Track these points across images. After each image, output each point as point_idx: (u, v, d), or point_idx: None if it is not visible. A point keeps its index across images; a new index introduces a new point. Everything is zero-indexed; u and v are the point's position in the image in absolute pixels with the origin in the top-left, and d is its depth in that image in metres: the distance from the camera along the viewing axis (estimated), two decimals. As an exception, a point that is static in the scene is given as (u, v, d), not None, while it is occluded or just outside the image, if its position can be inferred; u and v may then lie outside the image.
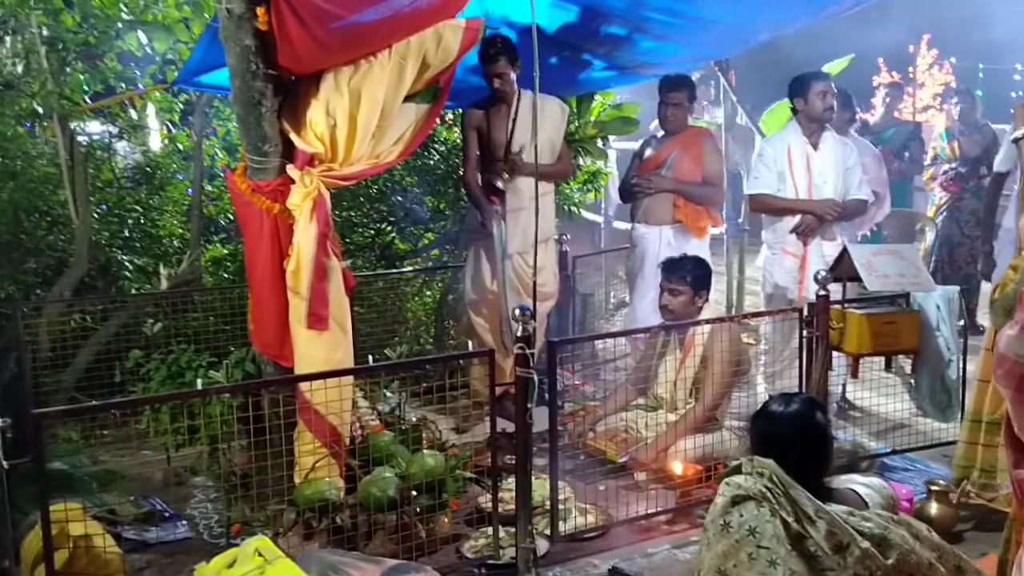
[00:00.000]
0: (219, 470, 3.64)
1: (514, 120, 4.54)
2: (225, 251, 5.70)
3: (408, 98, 3.43)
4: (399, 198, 5.99)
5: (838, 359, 4.04)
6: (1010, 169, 5.14)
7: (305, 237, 3.20)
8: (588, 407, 4.65)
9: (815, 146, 4.66)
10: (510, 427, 3.37)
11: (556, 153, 4.66)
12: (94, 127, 5.89)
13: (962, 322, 4.07)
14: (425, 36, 3.31)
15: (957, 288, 4.15)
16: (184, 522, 3.66)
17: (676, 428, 3.87)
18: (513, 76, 4.44)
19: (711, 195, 5.06)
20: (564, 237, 5.67)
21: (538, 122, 4.08)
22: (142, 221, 5.60)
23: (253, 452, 3.20)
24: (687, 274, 4.03)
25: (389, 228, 6.01)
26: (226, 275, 5.54)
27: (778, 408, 2.43)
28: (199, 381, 3.61)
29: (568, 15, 4.45)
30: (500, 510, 3.28)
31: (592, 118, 5.64)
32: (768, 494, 2.23)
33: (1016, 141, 4.31)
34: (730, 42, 5.00)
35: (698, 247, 4.86)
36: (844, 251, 3.94)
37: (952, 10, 10.64)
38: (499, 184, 4.56)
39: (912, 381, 4.14)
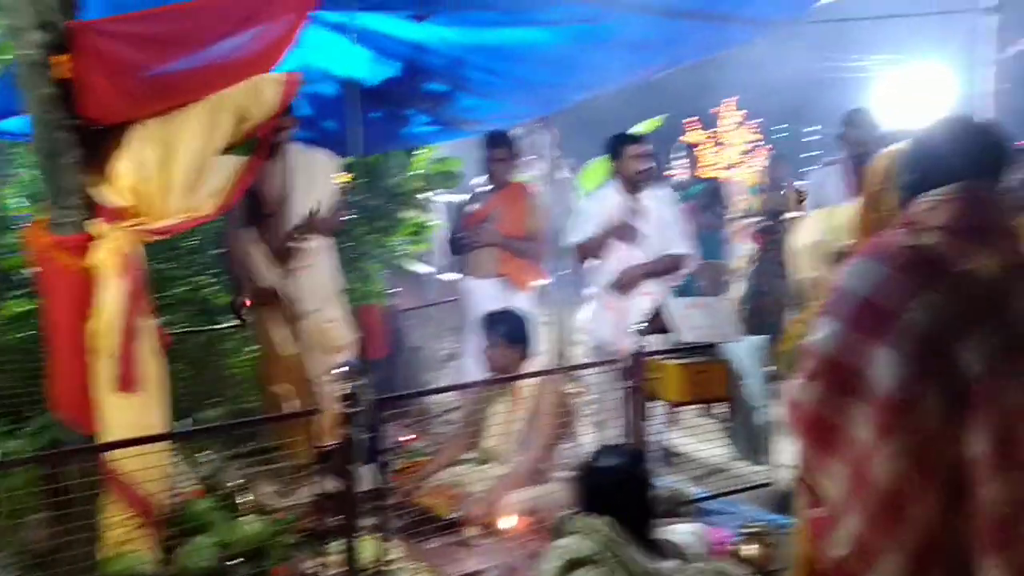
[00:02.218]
0: (19, 546, 3.34)
1: (285, 175, 4.25)
2: (26, 307, 5.28)
3: (227, 150, 3.35)
4: (219, 250, 5.77)
5: (659, 408, 4.19)
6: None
7: (112, 295, 3.03)
8: (418, 463, 4.59)
9: (635, 203, 4.85)
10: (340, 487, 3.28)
11: (332, 206, 4.40)
12: None
13: (770, 369, 4.31)
14: (241, 88, 3.24)
15: (766, 337, 4.39)
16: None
17: (505, 482, 3.89)
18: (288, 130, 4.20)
19: (534, 249, 5.18)
20: (395, 290, 5.64)
21: (314, 176, 4.08)
22: (-71, 276, 5.11)
23: (56, 526, 2.97)
24: (503, 329, 4.11)
25: (208, 281, 5.77)
26: (28, 333, 5.12)
27: (600, 462, 2.48)
28: (-2, 450, 3.32)
29: (390, 70, 4.49)
30: (329, 573, 3.17)
31: (415, 172, 5.68)
32: (602, 556, 2.24)
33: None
34: (550, 100, 5.18)
35: (523, 300, 4.95)
36: (662, 304, 4.12)
37: (759, 74, 11.47)
38: (292, 245, 4.28)
39: (729, 427, 4.36)
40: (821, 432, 1.80)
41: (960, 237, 1.71)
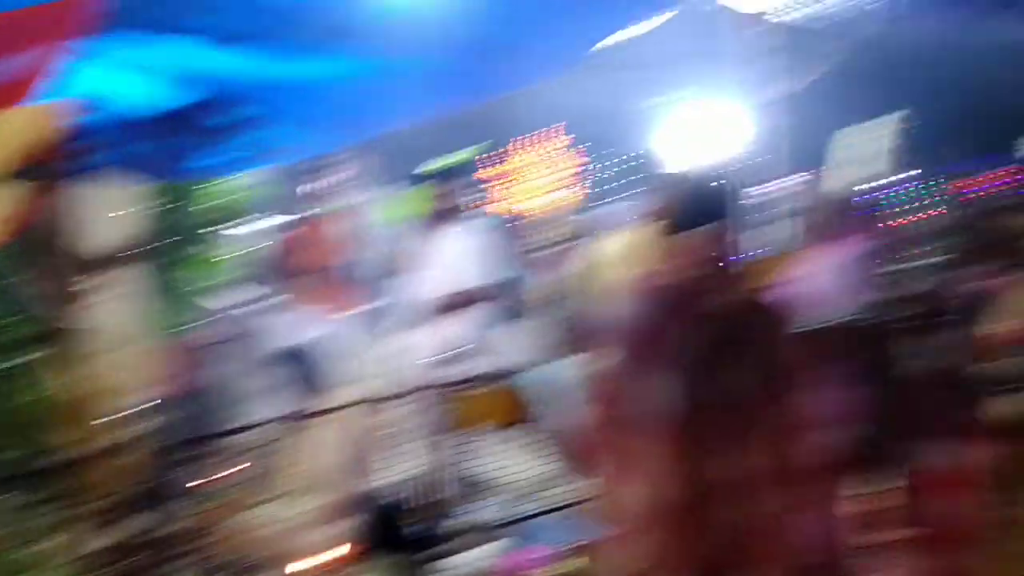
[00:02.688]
0: None
1: (73, 206, 4.07)
2: None
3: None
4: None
5: (469, 434, 4.24)
6: None
7: None
8: (221, 504, 4.43)
9: (448, 235, 4.92)
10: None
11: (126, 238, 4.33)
12: None
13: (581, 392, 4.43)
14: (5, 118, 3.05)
15: (579, 359, 4.52)
16: None
17: (312, 517, 3.82)
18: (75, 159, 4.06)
19: (345, 279, 5.14)
20: (198, 324, 5.43)
21: (105, 208, 3.93)
22: None
23: None
24: (303, 362, 4.05)
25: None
26: None
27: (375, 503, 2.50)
28: None
29: (189, 97, 4.35)
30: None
31: (206, 203, 5.53)
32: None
33: None
34: (358, 129, 5.17)
35: (332, 330, 4.89)
36: (469, 331, 4.18)
37: (586, 100, 11.82)
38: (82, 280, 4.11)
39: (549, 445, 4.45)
40: (614, 455, 1.90)
41: (710, 274, 1.87)
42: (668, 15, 5.23)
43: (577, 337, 1.95)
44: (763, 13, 5.68)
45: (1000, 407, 2.57)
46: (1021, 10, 4.21)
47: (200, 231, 5.35)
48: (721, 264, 1.94)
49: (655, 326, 1.87)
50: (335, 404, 4.04)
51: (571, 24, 5.20)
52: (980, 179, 5.88)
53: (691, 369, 1.82)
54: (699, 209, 1.96)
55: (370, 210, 6.96)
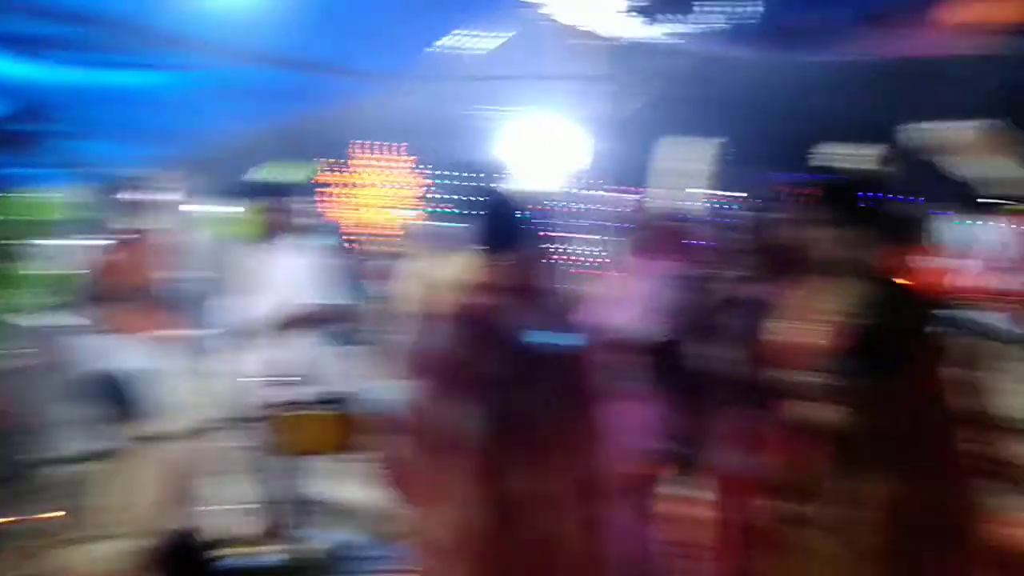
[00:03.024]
0: None
1: None
2: None
3: None
4: None
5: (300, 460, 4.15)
6: None
7: None
8: (34, 542, 4.16)
9: (279, 254, 4.80)
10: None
11: None
12: None
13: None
14: None
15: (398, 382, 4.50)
16: None
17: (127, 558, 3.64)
18: None
19: (167, 301, 4.92)
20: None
21: None
22: None
23: None
24: (110, 390, 3.88)
25: None
26: None
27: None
28: None
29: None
30: None
31: (12, 216, 5.21)
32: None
33: None
34: (175, 144, 4.99)
35: (155, 355, 4.68)
36: (299, 354, 4.09)
37: (425, 115, 11.74)
38: None
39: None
40: (419, 485, 1.90)
41: (516, 297, 1.91)
42: (507, 33, 5.32)
43: (398, 361, 1.95)
44: (598, 34, 5.87)
45: (795, 413, 2.74)
46: (822, 43, 4.57)
47: (6, 244, 5.00)
48: (532, 286, 1.98)
49: (460, 349, 1.89)
50: (154, 434, 3.86)
51: (405, 37, 5.23)
52: (775, 196, 6.31)
53: (495, 391, 1.85)
54: (509, 232, 2.00)
55: (195, 227, 6.70)
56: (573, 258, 6.63)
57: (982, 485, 4.05)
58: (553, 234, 2.30)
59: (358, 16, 4.75)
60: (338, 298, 5.06)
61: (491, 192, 2.38)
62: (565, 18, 5.32)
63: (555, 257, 2.56)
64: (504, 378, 1.87)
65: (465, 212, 2.12)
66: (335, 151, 12.12)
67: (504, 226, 2.03)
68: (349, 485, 4.67)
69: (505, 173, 5.30)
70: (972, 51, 4.47)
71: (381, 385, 4.29)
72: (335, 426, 4.00)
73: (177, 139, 4.65)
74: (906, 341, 2.61)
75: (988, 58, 4.65)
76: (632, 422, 3.19)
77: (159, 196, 6.27)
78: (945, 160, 6.08)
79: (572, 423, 1.90)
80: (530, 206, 2.17)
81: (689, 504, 3.24)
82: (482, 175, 5.15)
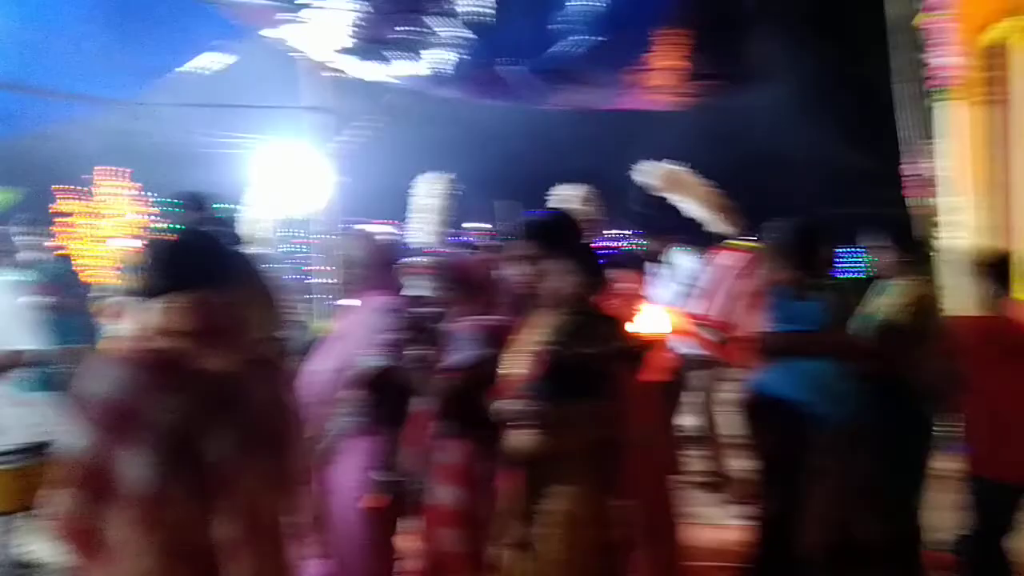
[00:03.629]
0: None
1: None
2: None
3: None
4: None
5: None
6: None
7: None
8: None
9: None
10: None
11: None
12: None
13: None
14: None
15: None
16: None
17: None
18: None
19: None
20: None
21: None
22: None
23: None
24: None
25: None
26: None
27: None
28: None
29: None
30: None
31: None
32: None
33: None
34: None
35: None
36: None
37: (150, 139, 11.04)
38: None
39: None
40: (85, 539, 1.80)
41: (197, 340, 1.86)
42: (232, 58, 5.18)
43: (80, 408, 1.81)
44: (331, 66, 5.82)
45: (503, 441, 2.86)
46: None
47: None
48: (212, 327, 1.91)
49: (135, 397, 1.80)
50: None
51: (132, 61, 4.95)
52: (493, 232, 6.63)
53: (167, 439, 1.79)
54: (195, 270, 1.92)
55: None
56: (299, 294, 6.54)
57: (684, 496, 4.46)
58: (268, 269, 2.23)
59: (79, 39, 4.50)
60: (31, 341, 4.62)
61: (182, 226, 2.28)
62: (295, 48, 5.27)
63: (265, 294, 2.47)
64: (179, 425, 1.80)
65: (158, 248, 2.01)
66: (52, 178, 11.15)
67: (189, 263, 1.95)
68: (35, 542, 4.28)
69: (210, 204, 5.09)
70: (667, 105, 4.92)
71: (65, 434, 3.96)
72: (16, 480, 3.66)
73: None
74: (597, 368, 2.79)
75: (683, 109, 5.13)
76: (356, 457, 3.18)
77: None
78: (673, 198, 6.64)
79: (263, 467, 1.86)
80: (233, 240, 2.11)
81: (405, 535, 3.28)
82: (189, 206, 4.89)
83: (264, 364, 1.93)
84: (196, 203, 4.80)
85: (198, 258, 1.92)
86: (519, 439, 2.79)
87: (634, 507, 2.79)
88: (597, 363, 2.79)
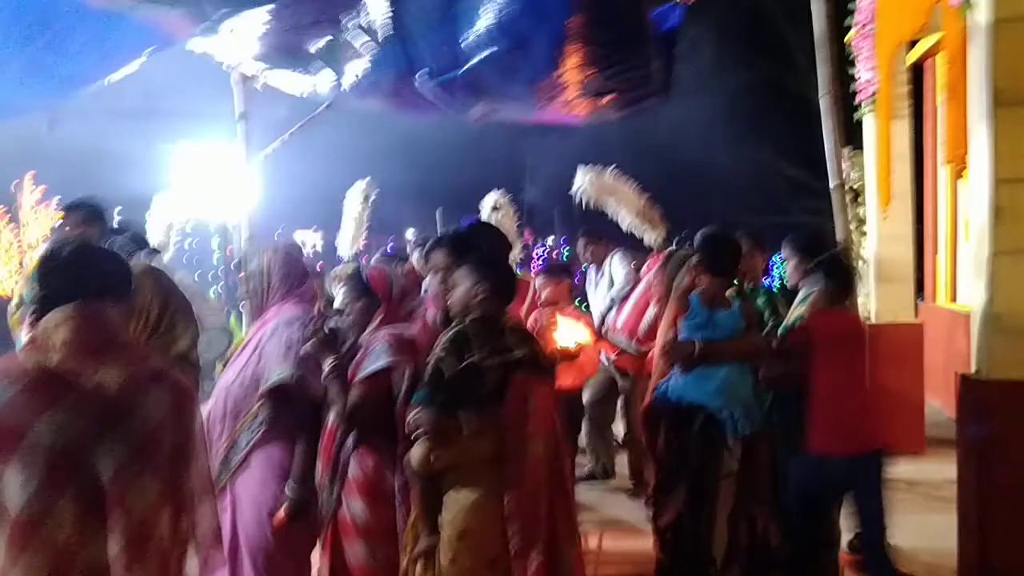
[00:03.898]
0: None
1: None
2: None
3: None
4: None
5: None
6: None
7: None
8: None
9: None
10: None
11: None
12: None
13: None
14: None
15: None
16: None
17: None
18: None
19: None
20: None
21: None
22: None
23: None
24: None
25: None
26: None
27: None
28: None
29: None
30: None
31: None
32: None
33: None
34: None
35: None
36: None
37: (66, 147, 10.79)
38: None
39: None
40: None
41: (83, 353, 1.81)
42: (139, 62, 5.06)
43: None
44: (239, 72, 5.71)
45: (407, 452, 2.85)
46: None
47: None
48: (101, 340, 1.87)
49: (14, 414, 1.75)
50: None
51: (48, 69, 4.79)
52: (409, 242, 6.62)
53: (56, 456, 1.74)
54: (76, 281, 1.87)
55: None
56: (218, 302, 6.43)
57: (602, 502, 4.46)
58: (178, 277, 2.18)
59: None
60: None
61: (73, 237, 2.21)
62: (210, 53, 5.17)
63: (170, 303, 2.41)
64: (66, 442, 1.76)
65: (47, 260, 1.95)
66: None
67: (77, 275, 1.90)
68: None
69: (108, 212, 4.97)
70: (582, 119, 4.96)
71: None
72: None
73: None
74: (492, 377, 2.80)
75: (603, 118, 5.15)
76: (268, 470, 3.13)
77: None
78: (606, 205, 6.68)
79: (157, 483, 1.82)
80: (136, 248, 2.05)
81: (317, 550, 3.24)
82: (85, 215, 4.74)
83: (159, 376, 1.88)
84: (92, 211, 4.66)
85: (87, 270, 1.87)
86: (413, 450, 2.80)
87: (532, 516, 2.79)
88: (491, 372, 2.81)
